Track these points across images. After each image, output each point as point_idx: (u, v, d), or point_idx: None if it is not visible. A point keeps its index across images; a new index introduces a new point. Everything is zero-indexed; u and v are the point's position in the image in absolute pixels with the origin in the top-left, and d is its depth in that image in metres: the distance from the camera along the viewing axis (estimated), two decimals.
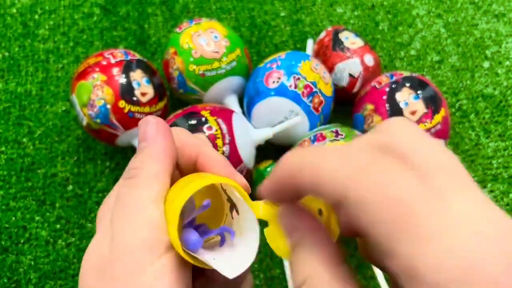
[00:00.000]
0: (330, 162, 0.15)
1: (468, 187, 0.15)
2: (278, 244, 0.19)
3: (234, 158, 0.36)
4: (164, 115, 0.41)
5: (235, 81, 0.41)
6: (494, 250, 0.12)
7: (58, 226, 0.41)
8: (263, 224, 0.18)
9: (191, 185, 0.17)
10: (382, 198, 0.14)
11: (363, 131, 0.39)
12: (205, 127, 0.36)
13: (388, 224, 0.14)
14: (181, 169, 0.20)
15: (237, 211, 0.19)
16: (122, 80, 0.38)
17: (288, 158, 0.17)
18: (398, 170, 0.14)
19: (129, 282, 0.16)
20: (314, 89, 0.38)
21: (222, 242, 0.19)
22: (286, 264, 0.39)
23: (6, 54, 0.50)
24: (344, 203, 0.15)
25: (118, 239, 0.17)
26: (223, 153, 0.36)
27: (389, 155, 0.15)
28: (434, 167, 0.14)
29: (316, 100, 0.39)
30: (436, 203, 0.14)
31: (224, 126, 0.36)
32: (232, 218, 0.20)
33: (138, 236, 0.17)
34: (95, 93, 0.37)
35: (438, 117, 0.37)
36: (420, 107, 0.37)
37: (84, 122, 0.38)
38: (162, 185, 0.18)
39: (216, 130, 0.36)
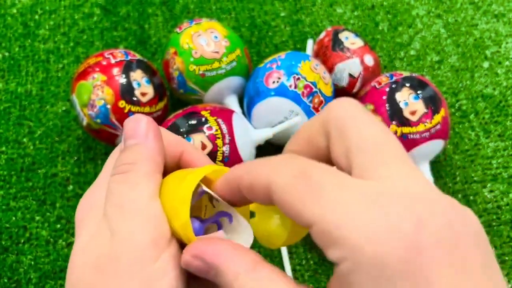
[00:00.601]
0: (260, 164, 0.17)
1: (389, 161, 0.16)
2: (266, 233, 0.19)
3: (234, 158, 0.36)
4: (164, 115, 0.41)
5: (235, 81, 0.41)
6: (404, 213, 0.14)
7: (58, 226, 0.41)
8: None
9: (193, 174, 0.18)
10: (301, 178, 0.15)
11: None
12: (205, 127, 0.36)
13: (300, 194, 0.15)
14: (165, 166, 0.21)
15: (217, 200, 0.19)
16: (122, 80, 0.38)
17: (235, 168, 0.18)
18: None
19: (136, 276, 0.17)
20: (314, 89, 0.38)
21: (219, 228, 0.20)
22: (286, 261, 0.39)
23: (7, 54, 0.50)
24: (272, 195, 0.16)
25: (120, 235, 0.17)
26: (223, 153, 0.36)
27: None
28: (362, 142, 0.16)
29: (316, 100, 0.39)
30: (345, 177, 0.15)
31: (224, 126, 0.36)
32: (214, 206, 0.20)
33: (143, 231, 0.17)
34: (95, 93, 0.37)
35: (438, 117, 0.37)
36: (420, 107, 0.37)
37: (84, 122, 0.39)
38: (157, 183, 0.19)
39: (216, 130, 0.36)
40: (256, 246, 0.38)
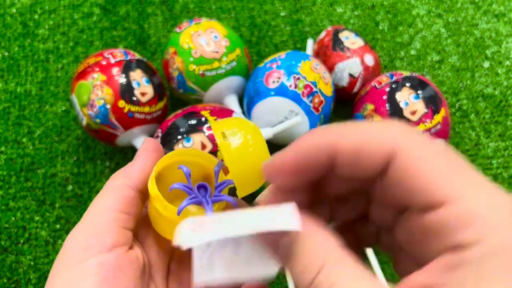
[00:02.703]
0: (372, 126, 0.15)
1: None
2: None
3: None
4: (163, 115, 0.41)
5: (235, 81, 0.41)
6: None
7: (58, 226, 0.41)
8: None
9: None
10: (438, 148, 0.14)
11: None
12: (205, 127, 0.36)
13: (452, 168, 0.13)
14: None
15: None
16: (122, 80, 0.38)
17: (317, 131, 0.15)
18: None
19: (61, 275, 0.19)
20: (314, 89, 0.38)
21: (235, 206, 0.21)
22: None
23: (6, 54, 0.49)
24: (393, 161, 0.14)
25: (68, 238, 0.20)
26: None
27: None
28: None
29: (316, 100, 0.39)
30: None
31: None
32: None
33: (79, 236, 0.19)
34: (94, 93, 0.37)
35: (438, 117, 0.37)
36: (420, 107, 0.37)
37: (84, 122, 0.38)
38: (116, 196, 0.20)
39: None
40: None
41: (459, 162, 0.14)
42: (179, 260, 0.23)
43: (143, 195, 0.21)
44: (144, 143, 0.23)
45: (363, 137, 0.14)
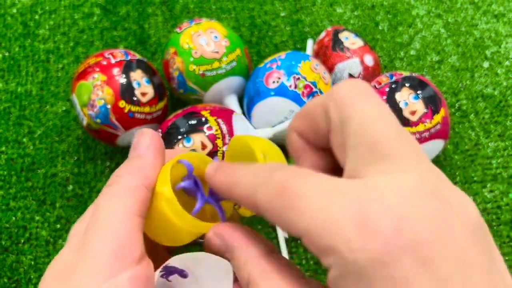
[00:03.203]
0: (244, 177, 0.17)
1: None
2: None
3: None
4: (164, 115, 0.41)
5: (235, 81, 0.41)
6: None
7: (58, 226, 0.41)
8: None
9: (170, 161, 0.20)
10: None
11: None
12: (205, 127, 0.36)
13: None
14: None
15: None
16: (122, 80, 0.38)
17: (218, 170, 0.19)
18: None
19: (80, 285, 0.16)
20: (314, 89, 0.38)
21: (221, 213, 0.21)
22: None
23: (6, 54, 0.50)
24: (258, 211, 0.16)
25: (85, 248, 0.17)
26: (223, 153, 0.36)
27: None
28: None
29: None
30: (326, 182, 0.15)
31: (224, 126, 0.36)
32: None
33: (104, 246, 0.16)
34: (95, 93, 0.37)
35: (438, 117, 0.37)
36: (420, 107, 0.37)
37: (84, 122, 0.39)
38: (136, 198, 0.18)
39: (216, 130, 0.36)
40: None
41: (300, 200, 0.15)
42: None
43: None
44: (145, 135, 0.20)
45: (236, 189, 0.17)
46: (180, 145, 0.35)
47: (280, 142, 0.41)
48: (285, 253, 0.39)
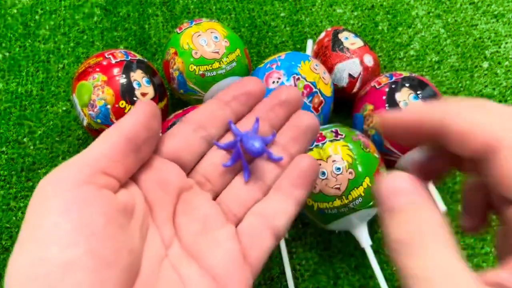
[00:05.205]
0: (481, 114, 0.16)
1: None
2: None
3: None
4: (164, 115, 0.41)
5: (235, 81, 0.41)
6: None
7: None
8: None
9: None
10: None
11: (363, 131, 0.39)
12: None
13: None
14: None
15: None
16: (123, 80, 0.38)
17: (434, 103, 0.17)
18: None
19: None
20: (314, 89, 0.39)
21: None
22: (286, 261, 0.39)
23: (7, 54, 0.50)
24: (491, 156, 0.15)
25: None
26: None
27: None
28: None
29: (316, 100, 0.39)
30: None
31: None
32: None
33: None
34: (95, 93, 0.37)
35: None
36: None
37: (85, 122, 0.39)
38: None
39: None
40: None
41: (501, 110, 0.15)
42: (185, 201, 0.23)
43: (135, 144, 0.22)
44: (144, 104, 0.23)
45: (468, 128, 0.15)
46: None
47: None
48: (285, 253, 0.39)
